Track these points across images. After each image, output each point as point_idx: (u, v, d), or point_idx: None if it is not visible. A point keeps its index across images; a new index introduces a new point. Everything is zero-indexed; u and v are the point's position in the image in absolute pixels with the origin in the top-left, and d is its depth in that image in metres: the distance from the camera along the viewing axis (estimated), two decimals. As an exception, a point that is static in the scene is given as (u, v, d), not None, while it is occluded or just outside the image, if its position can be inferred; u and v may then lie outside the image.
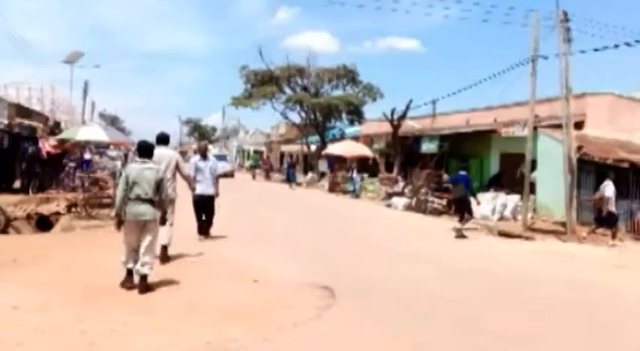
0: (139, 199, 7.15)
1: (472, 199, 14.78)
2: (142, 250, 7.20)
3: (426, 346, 5.56)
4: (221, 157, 40.07)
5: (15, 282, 7.37)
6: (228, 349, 5.17)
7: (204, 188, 11.17)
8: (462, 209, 14.66)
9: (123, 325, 5.67)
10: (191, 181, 10.42)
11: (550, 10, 15.99)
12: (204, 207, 11.35)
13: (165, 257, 8.94)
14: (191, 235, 11.13)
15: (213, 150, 77.95)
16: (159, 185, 7.30)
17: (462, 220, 14.44)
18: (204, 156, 11.67)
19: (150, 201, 7.21)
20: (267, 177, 43.02)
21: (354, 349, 5.42)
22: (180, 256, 9.49)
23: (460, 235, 13.75)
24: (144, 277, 7.13)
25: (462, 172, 15.05)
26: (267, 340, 5.46)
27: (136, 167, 7.35)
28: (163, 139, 9.50)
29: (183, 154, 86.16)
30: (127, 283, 7.23)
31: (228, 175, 38.74)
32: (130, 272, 7.27)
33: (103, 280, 7.61)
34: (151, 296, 6.95)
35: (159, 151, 8.64)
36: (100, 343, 5.16)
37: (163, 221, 7.81)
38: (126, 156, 23.38)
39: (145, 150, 7.60)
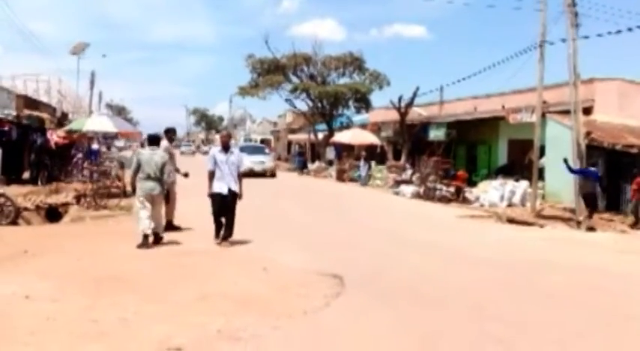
0: (149, 177, 9.26)
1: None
2: (152, 215, 9.29)
3: (437, 334, 5.56)
4: (257, 149, 33.01)
5: (26, 272, 7.42)
6: (239, 337, 5.19)
7: (222, 186, 9.50)
8: (589, 204, 14.46)
9: (134, 314, 5.70)
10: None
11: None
12: (223, 209, 9.59)
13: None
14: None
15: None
16: (163, 167, 9.45)
17: (591, 216, 14.28)
18: (226, 148, 9.75)
19: (157, 179, 9.34)
20: None
21: (363, 337, 5.42)
22: (189, 245, 9.54)
23: (590, 227, 13.77)
24: (156, 234, 9.40)
25: (592, 168, 14.72)
26: (277, 329, 5.47)
27: (147, 153, 9.52)
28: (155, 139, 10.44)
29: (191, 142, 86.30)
30: (143, 246, 9.11)
31: (267, 174, 29.41)
32: (145, 237, 9.18)
33: (114, 270, 7.68)
34: (161, 285, 6.99)
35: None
36: (111, 332, 5.19)
37: (167, 198, 10.08)
38: (108, 147, 23.60)
39: (153, 140, 9.96)
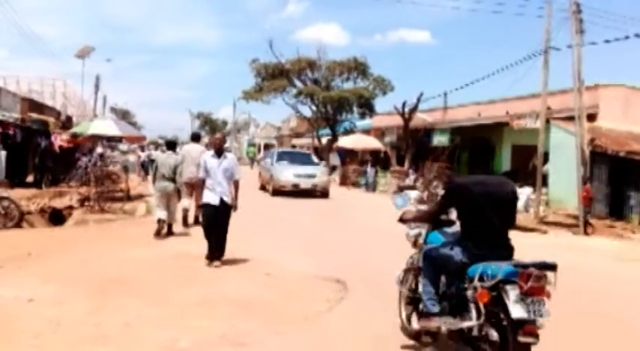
0: (164, 177, 10.73)
1: None
2: (168, 208, 10.75)
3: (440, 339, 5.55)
4: (303, 157, 24.85)
5: (30, 275, 7.44)
6: (242, 342, 5.19)
7: (214, 197, 8.38)
8: None
9: (137, 318, 5.71)
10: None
11: (562, 2, 15.88)
12: (214, 223, 8.45)
13: (185, 222, 11.95)
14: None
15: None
16: (176, 168, 10.79)
17: None
18: (218, 153, 8.65)
19: (170, 178, 10.74)
20: None
21: (366, 341, 5.42)
22: (194, 249, 9.55)
23: None
24: (170, 225, 10.91)
25: None
26: (279, 333, 5.48)
27: (162, 156, 11.28)
28: (195, 137, 13.41)
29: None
30: (157, 234, 10.62)
31: (318, 192, 21.40)
32: (159, 224, 10.68)
33: (117, 273, 7.69)
34: (164, 289, 7.00)
35: (192, 145, 12.69)
36: (115, 336, 5.21)
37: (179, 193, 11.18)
38: (101, 155, 23.71)
39: (169, 145, 11.78)
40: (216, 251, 8.48)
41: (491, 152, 5.55)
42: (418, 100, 27.90)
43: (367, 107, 39.40)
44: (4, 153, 19.04)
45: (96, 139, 21.37)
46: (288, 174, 21.11)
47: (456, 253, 4.57)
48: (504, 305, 4.04)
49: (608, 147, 16.46)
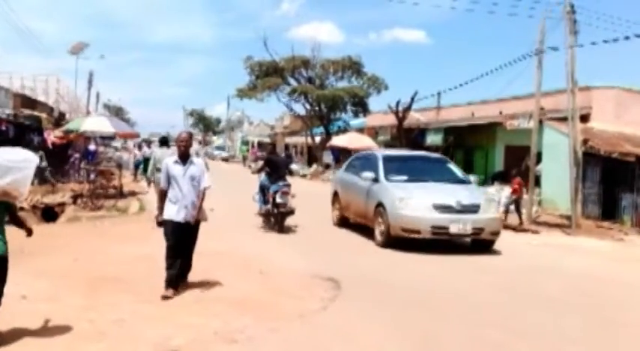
0: (160, 170, 10.26)
1: None
2: None
3: (433, 338, 5.58)
4: (434, 167, 13.12)
5: (23, 272, 7.37)
6: (235, 339, 5.21)
7: (178, 212, 6.77)
8: None
9: (131, 315, 5.72)
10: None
11: (557, 2, 15.92)
12: (180, 242, 6.82)
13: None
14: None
15: (217, 141, 78.00)
16: None
17: None
18: (184, 157, 6.89)
19: None
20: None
21: (359, 340, 5.44)
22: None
23: None
24: None
25: None
26: (273, 331, 5.49)
27: (160, 151, 12.66)
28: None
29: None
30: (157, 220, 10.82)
31: (481, 238, 10.66)
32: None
33: (110, 270, 7.69)
34: (157, 286, 6.98)
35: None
36: (108, 333, 5.21)
37: None
38: (95, 152, 23.65)
39: (163, 141, 13.64)
40: (182, 270, 6.94)
41: (274, 149, 15.20)
42: (412, 99, 27.96)
43: (361, 106, 39.47)
44: (-4, 149, 18.92)
45: (89, 136, 21.30)
46: (422, 205, 10.55)
47: (268, 183, 12.33)
48: (277, 199, 11.92)
49: (601, 148, 16.54)
